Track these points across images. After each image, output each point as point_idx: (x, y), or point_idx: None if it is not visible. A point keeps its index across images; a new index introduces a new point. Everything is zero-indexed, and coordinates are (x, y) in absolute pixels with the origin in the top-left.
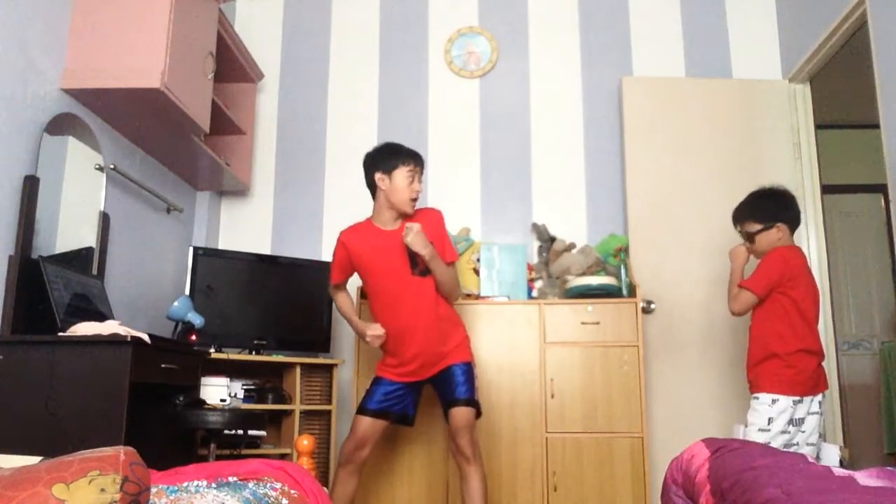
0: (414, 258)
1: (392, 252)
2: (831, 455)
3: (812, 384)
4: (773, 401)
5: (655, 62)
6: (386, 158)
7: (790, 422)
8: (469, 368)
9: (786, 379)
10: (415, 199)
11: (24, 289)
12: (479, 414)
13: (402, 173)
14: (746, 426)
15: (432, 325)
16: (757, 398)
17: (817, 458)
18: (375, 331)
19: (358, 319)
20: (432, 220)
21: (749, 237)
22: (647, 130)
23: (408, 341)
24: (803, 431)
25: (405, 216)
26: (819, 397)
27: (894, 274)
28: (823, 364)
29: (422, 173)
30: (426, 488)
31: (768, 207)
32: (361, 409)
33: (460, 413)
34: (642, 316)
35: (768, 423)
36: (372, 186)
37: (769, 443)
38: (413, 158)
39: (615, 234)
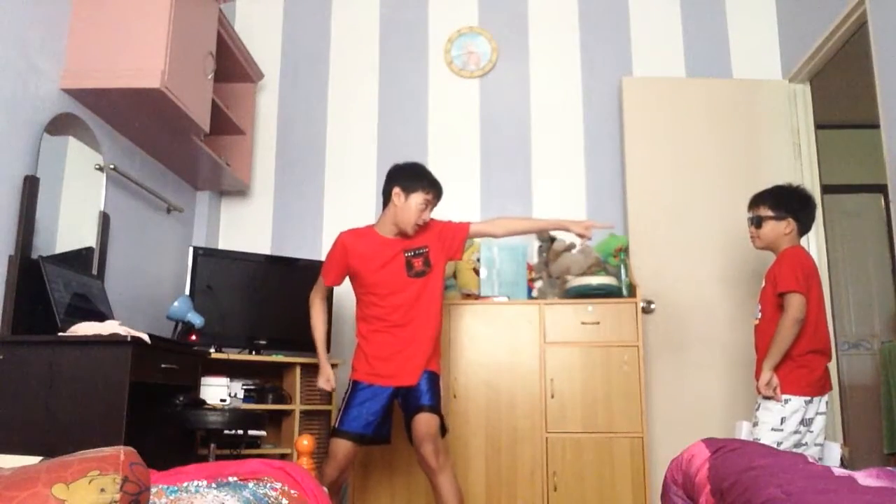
0: (410, 262)
1: (390, 256)
2: (833, 453)
3: (821, 385)
4: (786, 401)
5: (655, 62)
6: (410, 177)
7: (801, 422)
8: (436, 378)
9: (798, 379)
10: (420, 226)
11: (24, 289)
12: (444, 430)
13: (418, 198)
14: (756, 425)
15: (422, 327)
16: (768, 397)
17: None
18: (330, 379)
19: (325, 352)
20: (451, 232)
21: (758, 222)
22: (647, 130)
23: (392, 341)
24: (812, 432)
25: (405, 235)
26: (826, 398)
27: (894, 274)
28: (829, 365)
29: (435, 205)
30: (425, 488)
31: (790, 201)
32: (343, 433)
33: (424, 419)
34: (642, 316)
35: (781, 423)
36: (387, 196)
37: (781, 442)
38: (434, 189)
39: (615, 234)
